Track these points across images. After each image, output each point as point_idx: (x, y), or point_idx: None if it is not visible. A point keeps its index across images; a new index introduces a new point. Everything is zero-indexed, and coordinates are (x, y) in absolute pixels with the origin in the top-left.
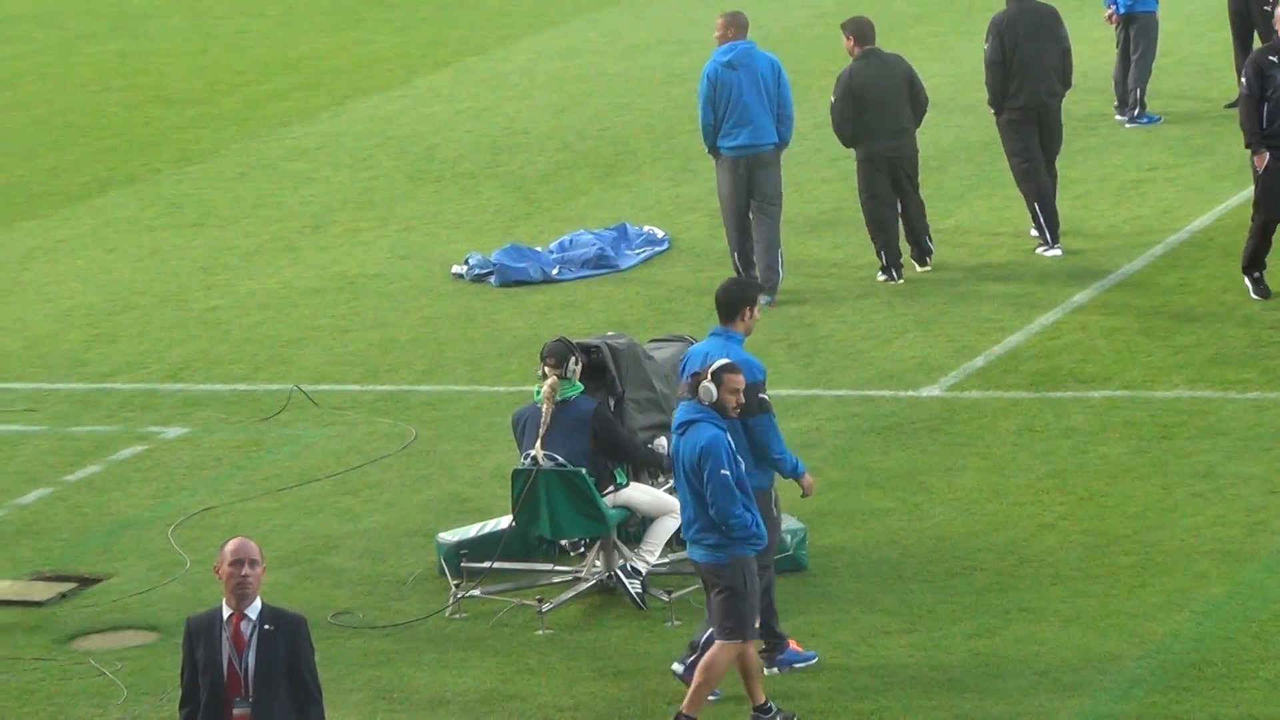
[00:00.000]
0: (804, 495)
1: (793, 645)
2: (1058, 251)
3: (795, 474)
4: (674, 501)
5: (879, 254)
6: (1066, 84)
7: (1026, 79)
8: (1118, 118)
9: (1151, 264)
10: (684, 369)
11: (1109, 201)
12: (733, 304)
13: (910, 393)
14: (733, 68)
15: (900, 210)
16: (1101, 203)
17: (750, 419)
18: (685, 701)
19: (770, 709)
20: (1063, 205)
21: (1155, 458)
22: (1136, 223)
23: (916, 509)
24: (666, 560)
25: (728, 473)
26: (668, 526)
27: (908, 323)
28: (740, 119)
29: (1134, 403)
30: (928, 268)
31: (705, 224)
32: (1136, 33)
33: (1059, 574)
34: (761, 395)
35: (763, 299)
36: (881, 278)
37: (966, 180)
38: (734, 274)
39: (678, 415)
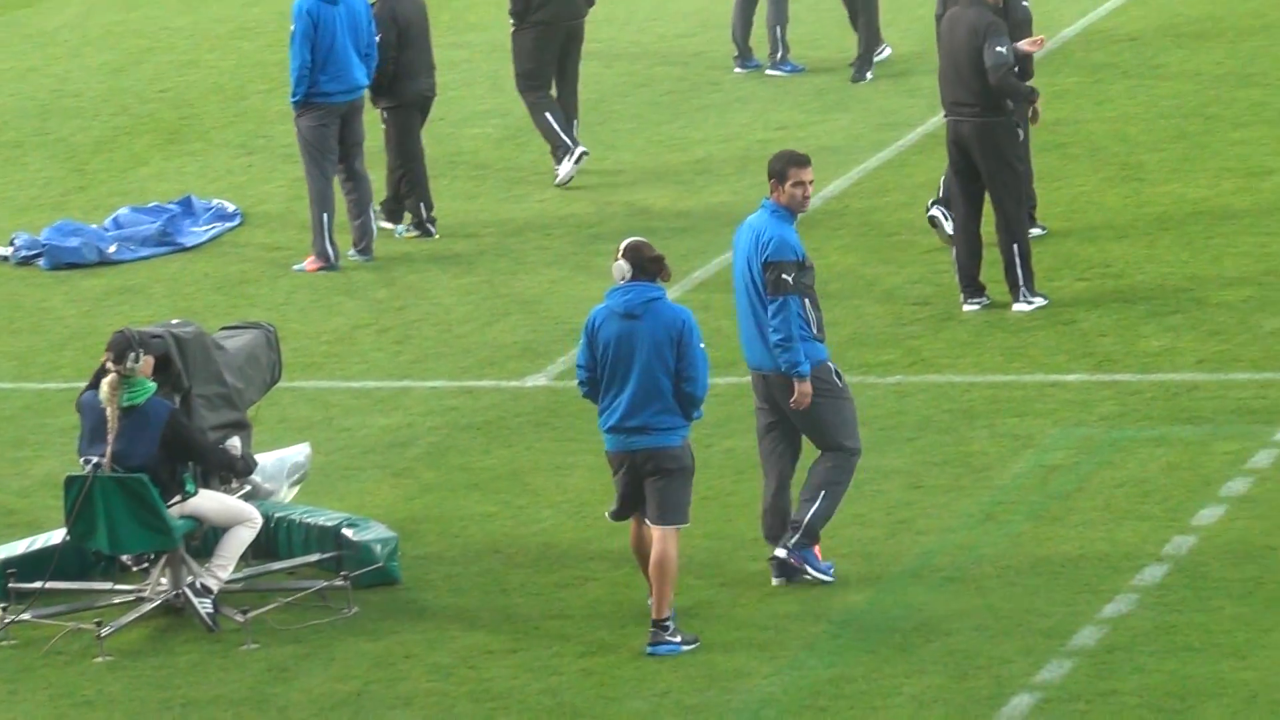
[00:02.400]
0: (793, 403)
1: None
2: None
3: (795, 372)
4: (248, 510)
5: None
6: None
7: None
8: (738, 70)
9: None
10: (735, 242)
11: (733, 166)
12: (773, 170)
13: (514, 383)
14: (334, 2)
15: None
16: (725, 167)
17: (770, 296)
18: (654, 608)
19: (670, 626)
20: (682, 171)
21: None
22: (763, 189)
23: (521, 513)
24: (241, 576)
25: (704, 346)
26: (242, 538)
27: (509, 304)
28: (343, 63)
29: None
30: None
31: (282, 195)
32: None
33: (682, 581)
34: (785, 275)
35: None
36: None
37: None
38: (325, 251)
39: (622, 299)
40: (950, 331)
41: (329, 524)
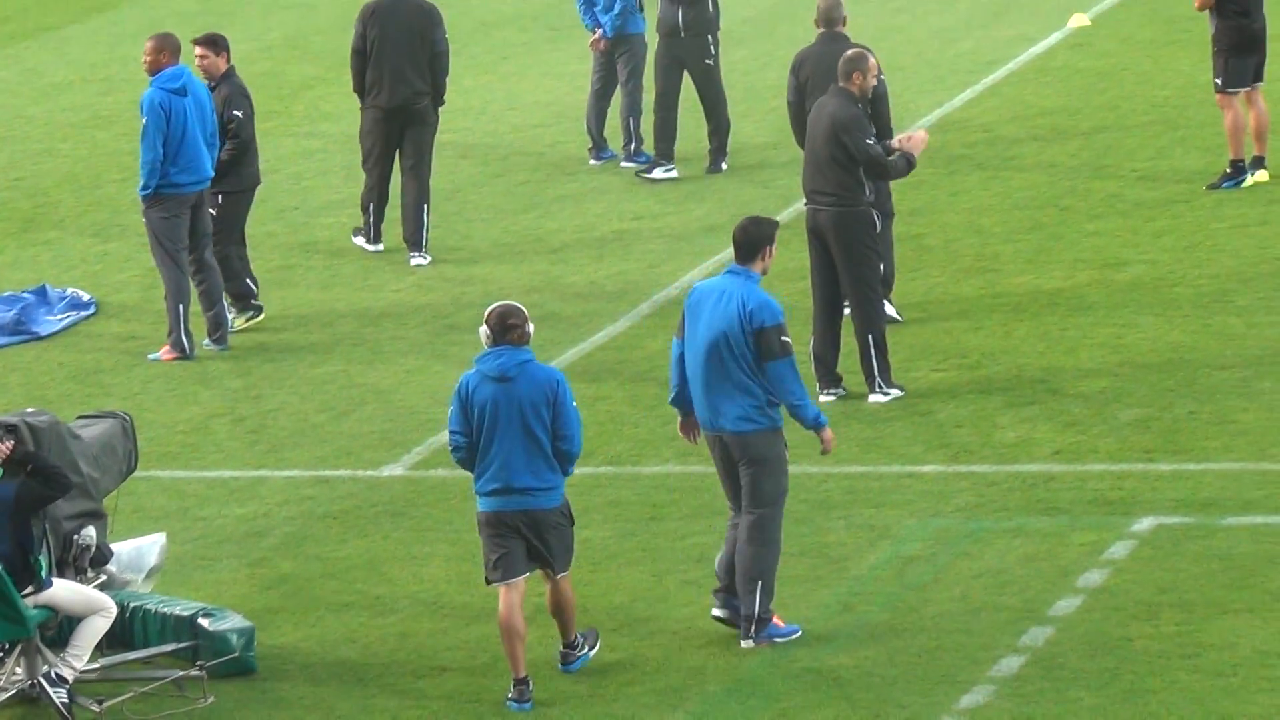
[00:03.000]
0: (823, 451)
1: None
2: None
3: (816, 425)
4: (103, 599)
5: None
6: (438, 87)
7: (387, 74)
8: (593, 162)
9: (637, 325)
10: (691, 303)
11: (589, 256)
12: (752, 243)
13: (370, 472)
14: (182, 94)
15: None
16: (582, 257)
17: (769, 363)
18: (562, 636)
19: (578, 643)
20: (538, 261)
21: (644, 541)
22: (620, 279)
23: (378, 603)
24: (96, 665)
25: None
26: (97, 627)
27: (366, 394)
28: (193, 154)
29: (619, 480)
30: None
31: (137, 284)
32: (625, 59)
33: (536, 674)
34: (783, 338)
35: (213, 346)
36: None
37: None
38: (181, 342)
39: (494, 363)
40: None
41: (185, 613)
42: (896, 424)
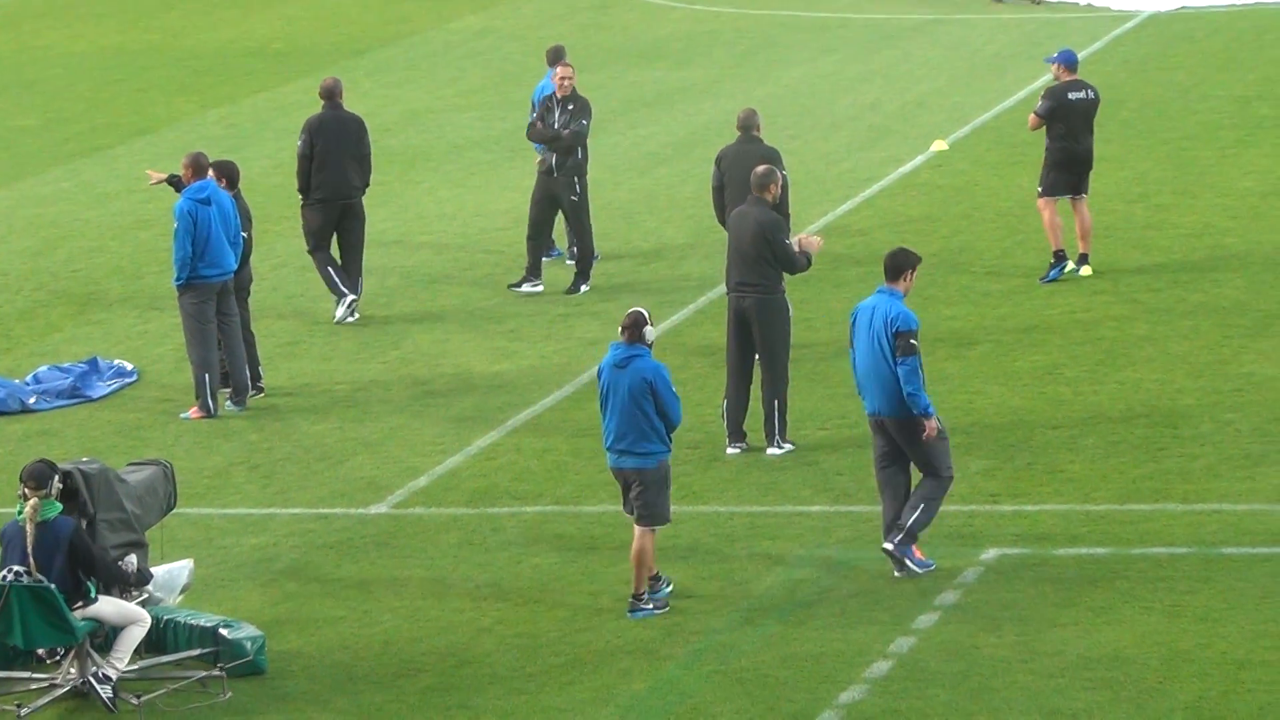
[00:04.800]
0: (925, 436)
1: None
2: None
3: (925, 413)
4: (139, 613)
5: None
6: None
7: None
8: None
9: (578, 391)
10: (854, 320)
11: (540, 333)
12: (899, 267)
13: (360, 510)
14: (207, 204)
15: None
16: (534, 335)
17: (900, 358)
18: (633, 584)
19: (645, 595)
20: (499, 338)
21: (583, 567)
22: (565, 354)
23: (366, 616)
24: (135, 667)
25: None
26: (134, 635)
27: (357, 446)
28: (217, 251)
29: (564, 517)
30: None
31: (171, 357)
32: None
33: (496, 674)
34: (913, 340)
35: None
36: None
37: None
38: (207, 404)
39: (616, 354)
40: (716, 470)
41: (208, 625)
42: (789, 472)
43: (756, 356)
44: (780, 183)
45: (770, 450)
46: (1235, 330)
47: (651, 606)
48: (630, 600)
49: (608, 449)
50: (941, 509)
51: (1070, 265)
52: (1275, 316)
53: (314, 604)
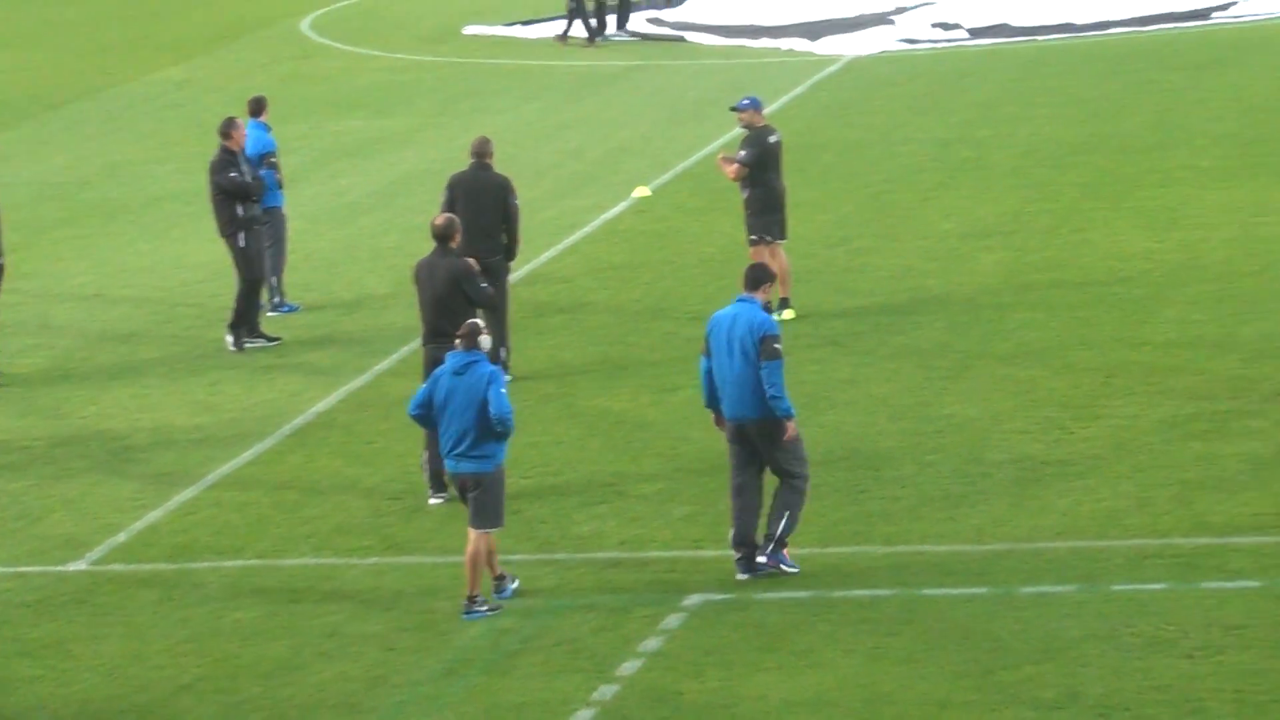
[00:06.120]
0: (786, 437)
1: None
2: None
3: (787, 414)
4: None
5: None
6: None
7: None
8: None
9: (280, 443)
10: (711, 330)
11: (241, 386)
12: (758, 279)
13: (58, 568)
14: None
15: None
16: (234, 387)
17: (764, 362)
18: (468, 586)
19: (480, 598)
20: (199, 390)
21: (285, 620)
22: (267, 406)
23: (63, 675)
24: None
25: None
26: None
27: (55, 503)
28: None
29: (266, 570)
30: None
31: None
32: (268, 228)
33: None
34: (776, 345)
35: None
36: None
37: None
38: None
39: (454, 361)
40: (419, 521)
41: None
42: None
43: None
44: (461, 231)
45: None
46: (936, 372)
47: (486, 609)
48: (464, 602)
49: (446, 455)
50: (646, 555)
51: (778, 315)
52: (975, 358)
53: (9, 664)
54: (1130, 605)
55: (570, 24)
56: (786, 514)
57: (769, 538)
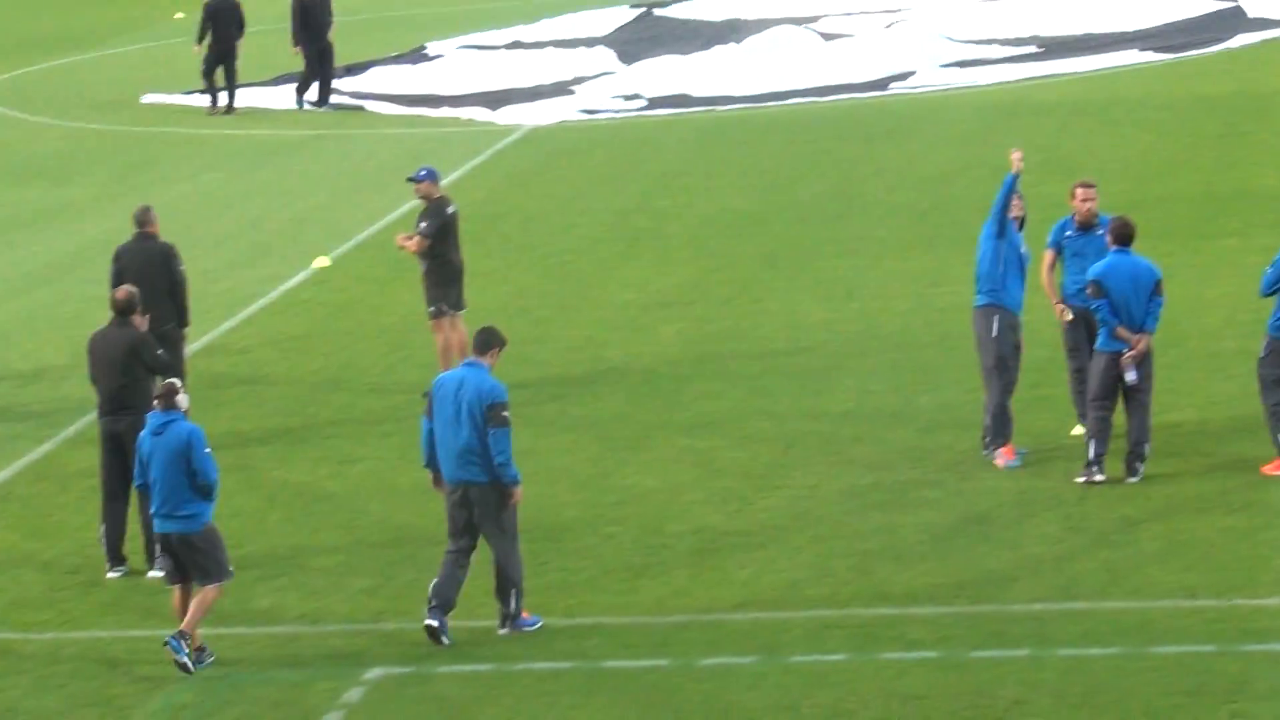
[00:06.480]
0: (512, 502)
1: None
2: None
3: (514, 480)
4: None
5: None
6: None
7: None
8: None
9: None
10: (434, 393)
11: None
12: (488, 342)
13: None
14: None
15: None
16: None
17: (491, 429)
18: (185, 622)
19: (186, 635)
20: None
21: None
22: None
23: None
24: None
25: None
26: None
27: None
28: None
29: None
30: None
31: None
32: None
33: None
34: (504, 413)
35: None
36: None
37: None
38: None
39: (154, 422)
40: (96, 594)
41: None
42: (171, 596)
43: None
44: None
45: (151, 574)
46: (616, 443)
47: (186, 651)
48: (178, 632)
49: (154, 515)
50: (325, 628)
51: None
52: (655, 428)
53: None
54: (810, 676)
55: (220, 94)
56: (513, 591)
57: (506, 616)
